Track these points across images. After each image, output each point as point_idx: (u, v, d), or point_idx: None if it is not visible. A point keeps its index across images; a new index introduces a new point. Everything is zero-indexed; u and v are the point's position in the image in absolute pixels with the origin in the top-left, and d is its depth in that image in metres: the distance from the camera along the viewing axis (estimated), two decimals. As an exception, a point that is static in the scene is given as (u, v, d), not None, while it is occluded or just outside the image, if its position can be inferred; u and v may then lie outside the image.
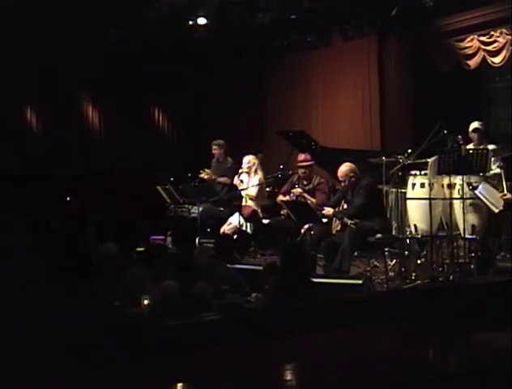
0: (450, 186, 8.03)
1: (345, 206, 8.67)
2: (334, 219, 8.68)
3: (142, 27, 12.44)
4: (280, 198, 9.49)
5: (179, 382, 2.59)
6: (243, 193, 9.78)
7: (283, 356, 2.81)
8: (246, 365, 2.70)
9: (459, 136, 8.37)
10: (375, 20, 12.04)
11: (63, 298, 3.88)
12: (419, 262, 8.50)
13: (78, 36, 12.30)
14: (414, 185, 8.35)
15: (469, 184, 7.81)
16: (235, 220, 9.58)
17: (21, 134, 13.86)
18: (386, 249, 8.35)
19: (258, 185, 9.73)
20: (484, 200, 7.70)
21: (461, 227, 7.93)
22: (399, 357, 2.77)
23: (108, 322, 3.93)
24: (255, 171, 9.88)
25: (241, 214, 9.50)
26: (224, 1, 11.89)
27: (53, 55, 13.01)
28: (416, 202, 8.30)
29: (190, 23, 12.62)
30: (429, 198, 8.00)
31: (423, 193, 8.18)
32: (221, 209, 10.36)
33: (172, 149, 15.22)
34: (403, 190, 8.70)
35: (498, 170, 8.25)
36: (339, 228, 8.77)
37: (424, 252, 8.58)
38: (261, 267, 7.35)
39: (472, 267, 7.94)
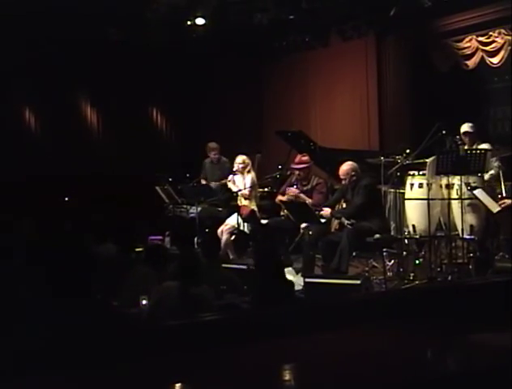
0: (449, 187, 8.04)
1: (344, 205, 8.67)
2: (333, 218, 8.67)
3: (140, 27, 12.44)
4: (279, 198, 9.50)
5: (179, 382, 2.60)
6: (241, 193, 9.77)
7: (283, 356, 2.81)
8: (246, 366, 2.70)
9: (458, 136, 8.39)
10: (373, 21, 12.05)
11: (62, 298, 3.88)
12: (417, 262, 8.50)
13: (78, 36, 12.30)
14: (412, 185, 8.36)
15: (467, 184, 7.82)
16: (233, 220, 9.57)
17: (20, 134, 13.87)
18: (385, 249, 8.36)
19: (252, 186, 9.72)
20: (483, 200, 7.70)
21: (459, 227, 7.93)
22: (398, 358, 2.77)
23: (107, 323, 3.93)
24: (248, 171, 9.85)
25: (239, 214, 9.50)
26: (222, 1, 11.89)
27: (53, 55, 13.00)
28: (415, 202, 8.30)
29: (189, 23, 12.63)
30: (428, 199, 8.01)
31: (421, 193, 8.19)
32: (219, 209, 10.36)
33: (171, 149, 15.22)
34: (401, 191, 8.71)
35: (494, 171, 8.28)
36: (337, 227, 8.76)
37: (423, 252, 8.58)
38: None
39: (471, 267, 7.95)
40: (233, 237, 9.56)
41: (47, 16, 11.33)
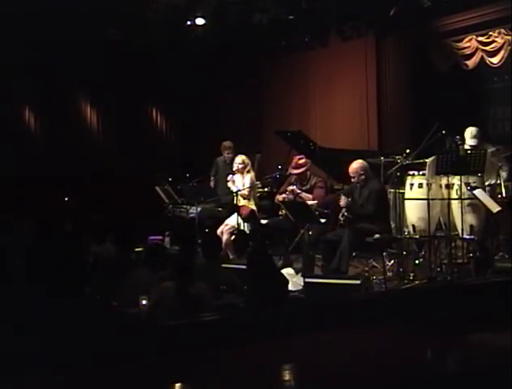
0: (448, 187, 8.04)
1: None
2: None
3: (140, 27, 12.44)
4: (278, 197, 9.51)
5: (179, 382, 2.60)
6: (240, 193, 9.76)
7: (283, 356, 2.81)
8: (246, 366, 2.70)
9: (457, 136, 8.39)
10: (373, 21, 12.05)
11: (62, 298, 3.88)
12: (417, 262, 8.51)
13: (78, 36, 12.30)
14: (412, 185, 8.36)
15: (467, 184, 7.82)
16: (233, 220, 9.57)
17: (20, 134, 13.88)
18: (385, 249, 8.37)
19: (251, 186, 9.71)
20: (482, 200, 7.70)
21: (459, 227, 7.94)
22: (398, 357, 2.77)
23: (107, 323, 3.93)
24: (248, 171, 9.84)
25: (239, 214, 9.49)
26: (222, 1, 11.89)
27: (53, 55, 13.00)
28: (414, 202, 8.30)
29: (188, 23, 12.62)
30: (427, 199, 8.01)
31: (421, 193, 8.19)
32: (219, 209, 10.35)
33: (171, 149, 15.22)
34: (401, 191, 8.70)
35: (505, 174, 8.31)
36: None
37: (423, 252, 8.58)
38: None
39: (470, 267, 7.95)
40: (233, 237, 9.56)
41: (47, 16, 11.32)
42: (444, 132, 8.24)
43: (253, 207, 9.70)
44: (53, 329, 3.55)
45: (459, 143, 8.33)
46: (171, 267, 6.14)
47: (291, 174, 9.58)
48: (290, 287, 6.81)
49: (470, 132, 8.57)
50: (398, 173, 8.67)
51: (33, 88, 13.75)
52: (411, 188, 8.37)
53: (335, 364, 2.71)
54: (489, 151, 8.27)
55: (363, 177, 8.25)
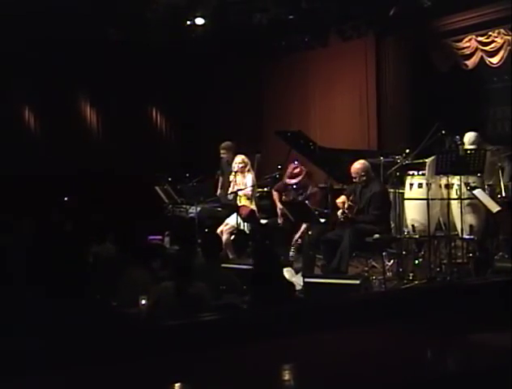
0: (448, 187, 8.04)
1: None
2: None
3: (140, 27, 12.44)
4: (275, 195, 9.51)
5: (179, 382, 2.60)
6: (240, 193, 9.75)
7: (283, 356, 2.81)
8: (246, 366, 2.70)
9: (457, 136, 8.38)
10: (373, 21, 12.05)
11: (62, 298, 3.88)
12: (417, 262, 8.50)
13: (78, 36, 12.30)
14: (412, 185, 8.35)
15: (467, 184, 7.82)
16: (232, 220, 9.57)
17: (20, 134, 13.88)
18: (384, 249, 8.36)
19: (253, 185, 9.70)
20: (482, 200, 7.70)
21: (459, 227, 7.94)
22: (398, 357, 2.77)
23: (106, 323, 3.93)
24: (248, 170, 9.82)
25: (238, 214, 9.49)
26: (222, 1, 11.89)
27: (53, 55, 13.00)
28: (414, 202, 8.30)
29: (188, 23, 12.62)
30: (427, 199, 8.01)
31: (421, 193, 8.18)
32: (219, 209, 10.34)
33: (171, 149, 15.22)
34: (400, 191, 8.70)
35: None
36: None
37: (422, 252, 8.58)
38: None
39: (470, 267, 7.94)
40: (233, 237, 9.56)
41: (47, 16, 11.33)
42: (444, 132, 8.23)
43: (253, 207, 9.70)
44: (53, 329, 3.55)
45: (459, 143, 8.32)
46: (170, 266, 6.14)
47: (286, 185, 9.52)
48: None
49: (468, 138, 8.54)
50: (398, 173, 8.66)
51: (33, 88, 13.75)
52: (410, 188, 8.37)
53: (335, 364, 2.72)
54: (489, 150, 8.26)
55: (364, 178, 8.22)
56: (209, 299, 5.62)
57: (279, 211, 9.43)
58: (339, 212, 8.25)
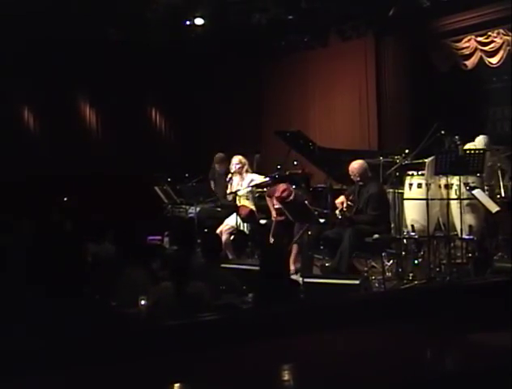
0: (447, 187, 8.04)
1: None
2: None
3: (140, 27, 12.45)
4: (268, 201, 9.49)
5: (179, 382, 2.60)
6: (239, 193, 9.75)
7: (283, 356, 2.81)
8: (246, 366, 2.70)
9: (456, 137, 8.38)
10: (372, 21, 12.06)
11: (62, 298, 3.88)
12: (416, 262, 8.50)
13: (78, 36, 12.31)
14: (411, 185, 8.35)
15: (466, 184, 7.82)
16: (232, 220, 9.57)
17: (20, 134, 13.89)
18: (384, 249, 8.36)
19: (253, 185, 9.69)
20: (481, 200, 7.70)
21: (458, 227, 7.94)
22: (398, 358, 2.78)
23: (106, 323, 3.93)
24: (246, 171, 9.81)
25: (238, 214, 9.49)
26: (221, 1, 11.90)
27: (53, 55, 13.00)
28: (414, 202, 8.30)
29: (188, 23, 12.63)
30: (427, 199, 8.01)
31: (420, 193, 8.18)
32: (218, 209, 10.34)
33: (170, 149, 15.22)
34: (400, 191, 8.70)
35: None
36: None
37: (422, 252, 8.58)
38: (258, 268, 7.34)
39: (470, 267, 7.95)
40: (232, 237, 9.56)
41: (47, 16, 11.33)
42: (443, 132, 8.24)
43: (253, 208, 9.70)
44: (53, 329, 3.55)
45: (458, 143, 8.33)
46: (170, 267, 6.14)
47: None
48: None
49: (480, 142, 8.52)
50: (398, 173, 8.67)
51: (33, 88, 13.75)
52: (410, 188, 8.37)
53: (335, 364, 2.72)
54: (489, 150, 8.27)
55: (362, 177, 8.23)
56: (208, 299, 5.62)
57: (273, 219, 9.34)
58: (337, 211, 8.25)
